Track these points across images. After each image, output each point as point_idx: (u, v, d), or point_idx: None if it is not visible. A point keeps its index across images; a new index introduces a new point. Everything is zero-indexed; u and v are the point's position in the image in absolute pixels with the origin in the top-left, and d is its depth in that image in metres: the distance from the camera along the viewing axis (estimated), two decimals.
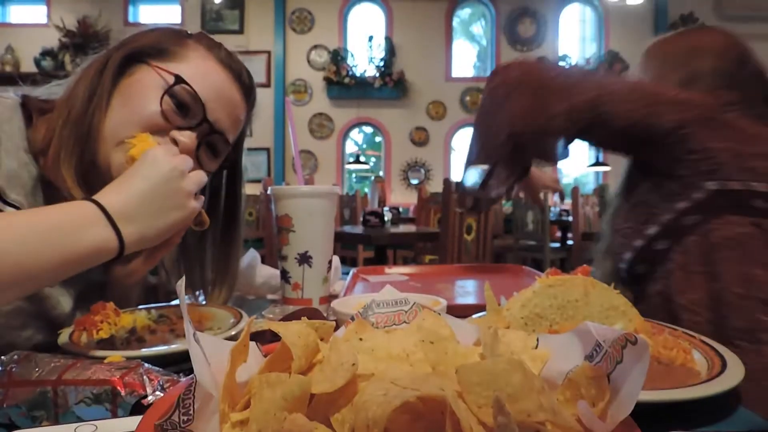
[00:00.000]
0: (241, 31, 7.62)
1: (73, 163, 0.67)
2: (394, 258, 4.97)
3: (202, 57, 0.75)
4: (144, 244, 0.61)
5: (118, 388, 0.42)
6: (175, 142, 0.70)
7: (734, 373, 0.45)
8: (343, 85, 7.55)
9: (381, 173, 7.90)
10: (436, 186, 7.02)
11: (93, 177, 0.68)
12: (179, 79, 0.70)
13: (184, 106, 0.71)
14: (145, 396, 0.42)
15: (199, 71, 0.73)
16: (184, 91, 0.70)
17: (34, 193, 0.69)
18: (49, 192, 0.69)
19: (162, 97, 0.69)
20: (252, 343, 0.32)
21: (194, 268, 0.85)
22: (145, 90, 0.69)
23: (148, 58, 0.71)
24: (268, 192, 0.85)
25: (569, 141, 0.92)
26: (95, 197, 0.58)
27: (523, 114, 0.86)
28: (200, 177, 0.66)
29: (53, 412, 0.42)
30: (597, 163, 7.33)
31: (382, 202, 5.82)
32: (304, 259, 0.82)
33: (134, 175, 0.61)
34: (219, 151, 0.78)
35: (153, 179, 0.61)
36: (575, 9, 7.99)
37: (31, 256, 0.52)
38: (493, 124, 0.92)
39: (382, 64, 7.53)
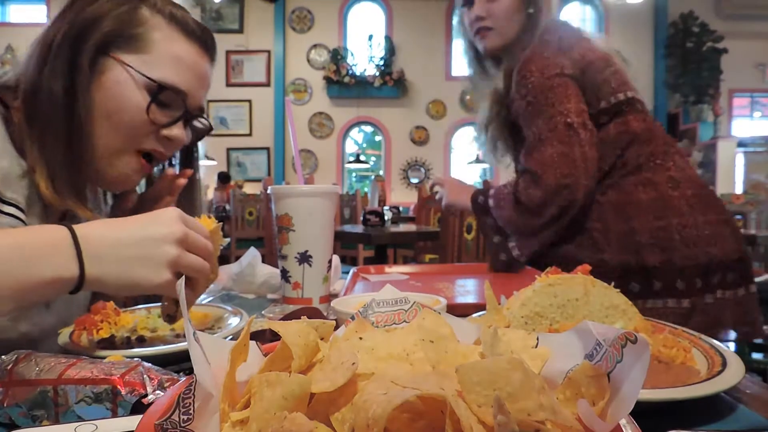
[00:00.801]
0: (240, 31, 7.62)
1: (71, 185, 0.66)
2: (394, 257, 4.97)
3: (168, 37, 0.71)
4: (100, 288, 0.57)
5: (119, 387, 0.42)
6: (168, 139, 0.71)
7: (734, 372, 0.45)
8: (343, 84, 7.55)
9: (381, 172, 7.90)
10: None
11: (91, 187, 0.68)
12: (162, 87, 0.69)
13: (166, 105, 0.71)
14: (146, 395, 0.42)
15: (171, 55, 0.71)
16: (167, 92, 0.70)
17: (27, 186, 0.67)
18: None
19: (149, 108, 0.68)
20: (252, 343, 0.32)
21: None
22: (126, 97, 0.68)
23: (113, 50, 0.68)
24: (268, 191, 0.85)
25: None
26: (76, 226, 0.55)
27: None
28: (195, 263, 0.59)
29: (53, 412, 0.42)
30: None
31: (382, 202, 5.80)
32: (304, 258, 0.82)
33: (136, 221, 0.58)
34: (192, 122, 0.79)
35: (144, 231, 0.56)
36: (575, 8, 7.98)
37: None
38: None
39: (382, 63, 7.53)
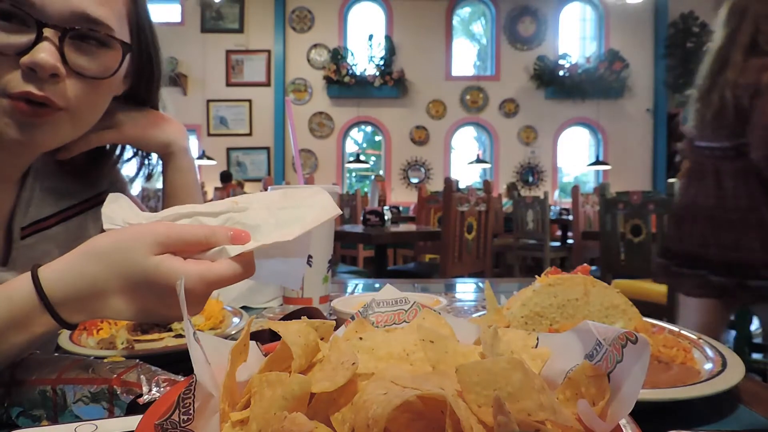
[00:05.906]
0: (241, 30, 7.62)
1: None
2: (394, 257, 4.97)
3: None
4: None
5: (115, 386, 0.42)
6: (31, 70, 0.51)
7: (734, 372, 0.45)
8: (343, 84, 7.55)
9: (381, 172, 7.90)
10: (436, 185, 7.03)
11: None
12: None
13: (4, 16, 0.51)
14: (141, 395, 0.42)
15: None
16: None
17: None
18: None
19: None
20: (252, 343, 0.32)
21: None
22: None
23: None
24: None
25: None
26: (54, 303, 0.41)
27: None
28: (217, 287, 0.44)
29: (52, 412, 0.42)
30: (597, 162, 7.33)
31: (382, 201, 5.81)
32: None
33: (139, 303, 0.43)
34: (97, 38, 0.55)
35: (151, 317, 0.44)
36: (575, 8, 7.98)
37: None
38: None
39: (382, 63, 7.53)
